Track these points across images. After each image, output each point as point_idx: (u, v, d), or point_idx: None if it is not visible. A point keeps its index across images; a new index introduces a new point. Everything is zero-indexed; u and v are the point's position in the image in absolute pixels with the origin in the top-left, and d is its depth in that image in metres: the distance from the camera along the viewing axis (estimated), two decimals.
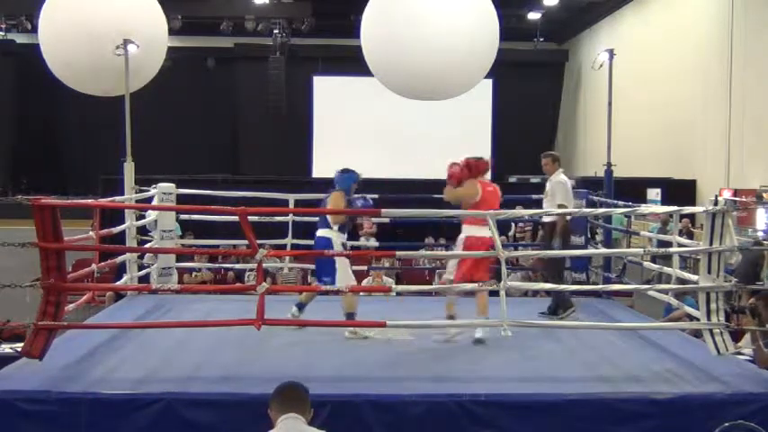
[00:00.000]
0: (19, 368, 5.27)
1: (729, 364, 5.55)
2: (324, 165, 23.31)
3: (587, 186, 10.55)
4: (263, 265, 5.59)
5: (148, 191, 8.22)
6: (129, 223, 7.93)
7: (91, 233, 7.05)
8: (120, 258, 8.08)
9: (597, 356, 5.94)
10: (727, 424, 4.59)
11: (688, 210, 6.43)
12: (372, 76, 10.74)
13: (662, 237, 9.68)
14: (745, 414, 4.76)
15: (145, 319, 7.00)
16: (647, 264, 9.02)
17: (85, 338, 6.00)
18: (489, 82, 21.53)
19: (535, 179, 17.53)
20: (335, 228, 6.62)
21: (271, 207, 8.70)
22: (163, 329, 6.37)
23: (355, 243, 12.81)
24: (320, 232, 6.68)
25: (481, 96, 21.82)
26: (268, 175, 19.69)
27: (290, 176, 19.45)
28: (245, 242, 6.05)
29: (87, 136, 23.40)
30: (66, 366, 5.34)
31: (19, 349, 5.28)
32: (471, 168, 6.60)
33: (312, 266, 10.57)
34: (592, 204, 8.39)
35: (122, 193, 8.24)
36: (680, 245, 6.83)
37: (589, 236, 9.07)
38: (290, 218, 8.60)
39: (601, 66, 8.86)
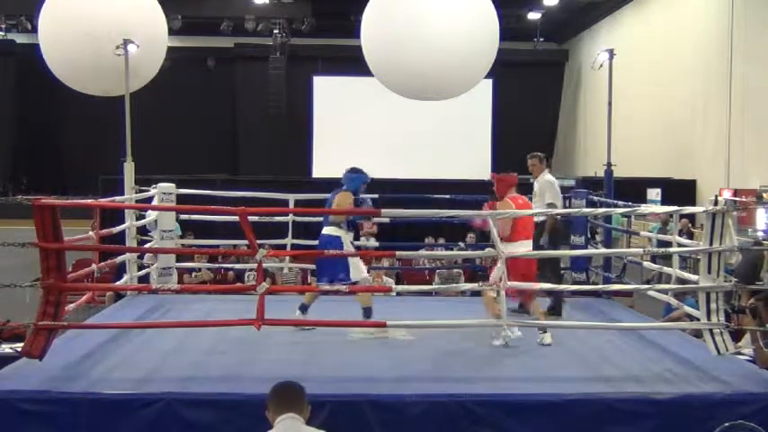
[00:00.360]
0: (19, 368, 5.26)
1: (729, 364, 5.55)
2: (324, 165, 23.34)
3: (587, 186, 10.57)
4: (263, 265, 5.58)
5: (148, 191, 8.22)
6: (129, 223, 7.93)
7: (91, 233, 7.05)
8: (120, 258, 8.07)
9: (597, 356, 5.94)
10: (727, 424, 4.59)
11: (688, 210, 6.42)
12: (372, 76, 10.75)
13: (662, 237, 9.68)
14: (746, 414, 4.75)
15: (145, 319, 7.00)
16: (647, 264, 9.01)
17: (85, 338, 5.99)
18: (489, 82, 21.55)
19: None
20: (342, 226, 6.59)
21: (271, 207, 8.70)
22: (163, 329, 6.37)
23: (356, 243, 12.85)
24: (328, 230, 6.64)
25: (481, 96, 21.85)
26: (268, 175, 19.70)
27: (290, 176, 19.45)
28: (245, 242, 6.05)
29: (87, 136, 23.41)
30: (66, 366, 5.33)
31: (19, 349, 5.28)
32: (501, 185, 6.57)
33: (312, 266, 10.67)
34: (592, 204, 8.38)
35: (122, 193, 8.24)
36: (680, 245, 6.82)
37: (589, 236, 9.07)
38: (290, 218, 8.59)
39: (601, 66, 8.85)
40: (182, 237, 9.96)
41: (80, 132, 24.00)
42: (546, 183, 7.57)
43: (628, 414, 4.86)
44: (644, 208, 8.37)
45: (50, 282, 5.09)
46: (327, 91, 24.32)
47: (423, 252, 11.68)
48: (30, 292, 5.33)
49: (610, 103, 8.84)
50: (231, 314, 5.87)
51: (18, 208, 7.46)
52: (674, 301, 6.75)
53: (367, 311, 6.38)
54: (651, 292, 6.99)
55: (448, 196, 9.11)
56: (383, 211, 6.37)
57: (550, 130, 26.26)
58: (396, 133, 22.67)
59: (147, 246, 8.23)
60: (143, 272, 8.20)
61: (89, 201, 8.65)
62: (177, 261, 8.72)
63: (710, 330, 5.48)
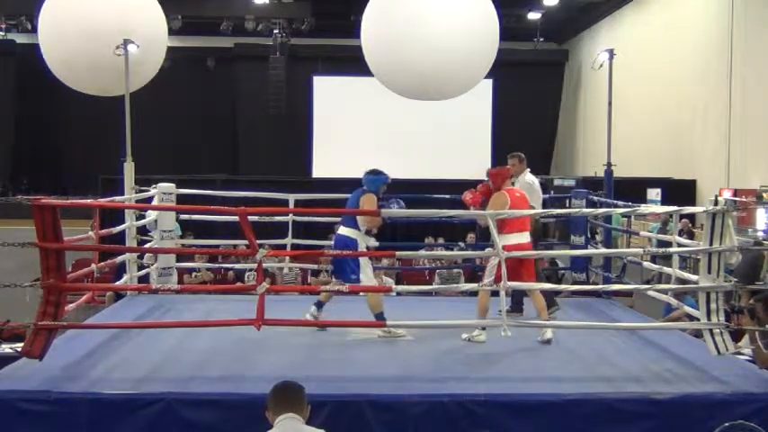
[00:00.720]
0: (19, 368, 5.26)
1: (729, 364, 5.55)
2: (324, 165, 23.36)
3: (587, 186, 10.57)
4: (263, 265, 5.58)
5: (148, 191, 8.21)
6: (129, 223, 7.92)
7: (91, 233, 7.05)
8: (119, 258, 8.07)
9: (597, 356, 5.94)
10: (727, 424, 4.59)
11: (688, 210, 6.42)
12: (372, 76, 10.74)
13: (662, 237, 9.68)
14: (746, 414, 4.75)
15: (145, 319, 7.00)
16: (647, 264, 9.01)
17: (85, 338, 6.00)
18: (489, 82, 21.54)
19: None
20: (363, 230, 6.54)
21: (271, 207, 8.70)
22: (163, 329, 6.37)
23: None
24: (345, 231, 6.55)
25: (481, 96, 21.83)
26: (268, 175, 19.69)
27: (290, 176, 19.44)
28: (245, 242, 6.05)
29: (87, 136, 23.40)
30: (66, 366, 5.33)
31: (19, 349, 5.28)
32: (496, 179, 6.60)
33: (313, 266, 10.68)
34: (592, 204, 8.39)
35: (122, 193, 8.23)
36: (680, 245, 6.82)
37: (589, 236, 9.07)
38: (290, 218, 8.59)
39: (601, 66, 8.85)
40: (182, 237, 9.96)
41: (80, 132, 23.98)
42: (526, 183, 7.62)
43: (628, 414, 4.86)
44: (644, 208, 8.37)
45: (50, 282, 5.10)
46: (327, 91, 24.31)
47: (423, 252, 11.68)
48: (30, 292, 5.33)
49: (610, 103, 8.84)
50: (231, 314, 5.87)
51: (18, 208, 7.43)
52: (674, 301, 6.75)
53: (379, 317, 6.29)
54: (651, 292, 6.99)
55: (448, 196, 9.10)
56: (383, 210, 6.36)
57: (550, 130, 26.25)
58: (396, 133, 22.66)
59: (147, 246, 8.23)
60: (143, 272, 8.20)
61: (89, 201, 8.65)
62: (177, 261, 8.72)
63: (710, 330, 5.48)
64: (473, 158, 22.34)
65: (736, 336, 5.89)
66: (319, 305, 6.62)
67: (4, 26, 23.60)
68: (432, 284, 10.44)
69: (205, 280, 11.41)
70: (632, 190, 14.24)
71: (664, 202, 15.66)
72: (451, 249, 11.94)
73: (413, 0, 9.97)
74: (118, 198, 8.19)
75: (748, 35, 14.88)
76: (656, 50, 18.99)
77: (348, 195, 6.80)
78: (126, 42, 8.58)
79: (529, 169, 7.70)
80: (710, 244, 5.47)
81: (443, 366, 5.68)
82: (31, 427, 4.67)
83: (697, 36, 17.02)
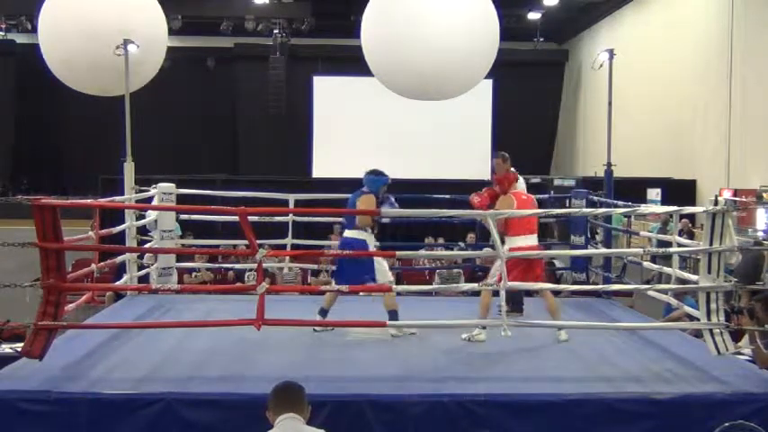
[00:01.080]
0: (19, 368, 5.26)
1: (729, 364, 5.55)
2: (324, 165, 23.33)
3: (587, 186, 10.57)
4: (263, 265, 5.58)
5: (148, 191, 8.22)
6: (129, 223, 7.93)
7: (91, 233, 7.05)
8: (119, 258, 8.07)
9: (597, 356, 5.94)
10: (727, 424, 4.59)
11: (688, 210, 6.43)
12: (372, 76, 10.74)
13: (662, 237, 9.68)
14: (746, 414, 4.75)
15: (145, 319, 7.00)
16: (647, 264, 9.01)
17: (85, 338, 6.00)
18: (489, 82, 21.51)
19: (535, 179, 17.51)
20: (368, 229, 6.54)
21: (271, 207, 8.70)
22: (163, 329, 6.37)
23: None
24: (352, 233, 6.55)
25: (481, 96, 21.80)
26: (268, 175, 19.69)
27: (290, 176, 19.44)
28: (245, 242, 6.05)
29: (87, 136, 23.40)
30: (67, 366, 5.34)
31: (19, 349, 5.28)
32: (503, 183, 6.64)
33: (313, 266, 10.68)
34: (592, 204, 8.39)
35: (122, 193, 8.23)
36: (680, 245, 6.83)
37: (589, 236, 9.07)
38: (290, 218, 8.59)
39: (601, 66, 8.85)
40: (182, 237, 9.96)
41: (80, 132, 23.98)
42: None
43: (628, 414, 4.86)
44: (644, 208, 8.37)
45: (50, 282, 5.10)
46: (327, 91, 24.30)
47: (423, 252, 11.68)
48: (30, 292, 5.33)
49: (610, 103, 8.84)
50: (231, 314, 5.88)
51: (18, 208, 7.43)
52: (674, 301, 6.75)
53: (392, 314, 6.28)
54: (651, 292, 6.99)
55: (448, 196, 9.11)
56: (383, 210, 6.37)
57: (550, 130, 26.25)
58: (396, 133, 22.64)
59: (147, 246, 8.23)
60: (143, 272, 8.20)
61: (89, 201, 8.65)
62: (177, 261, 8.72)
63: (710, 330, 5.48)
64: (473, 158, 22.32)
65: (736, 336, 5.89)
66: (323, 313, 6.59)
67: (4, 26, 23.59)
68: (432, 284, 10.44)
69: (205, 280, 11.41)
70: (632, 190, 14.24)
71: (664, 202, 15.66)
72: (451, 249, 11.95)
73: (413, 0, 9.96)
74: (118, 198, 8.19)
75: (748, 35, 14.87)
76: (656, 50, 18.98)
77: (348, 195, 6.81)
78: (126, 42, 8.58)
79: (513, 169, 7.72)
80: (710, 244, 5.47)
81: (443, 366, 5.68)
82: (31, 427, 4.68)
83: (697, 36, 17.02)
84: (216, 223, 9.58)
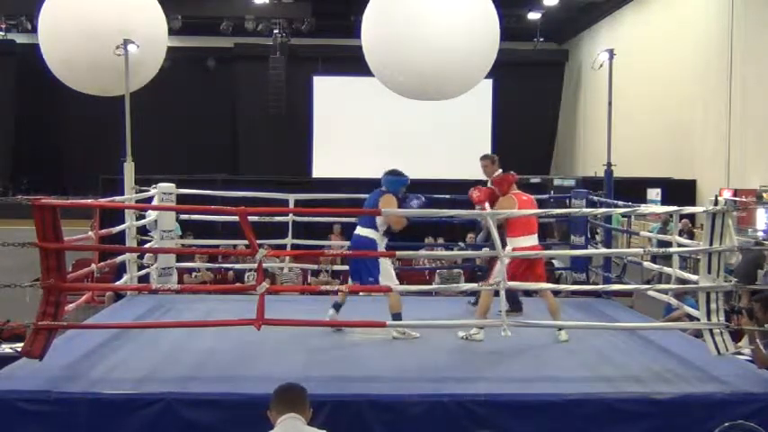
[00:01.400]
0: (19, 368, 5.26)
1: (729, 364, 5.55)
2: (324, 165, 23.36)
3: (587, 186, 10.56)
4: (263, 265, 5.58)
5: (148, 191, 8.21)
6: (129, 223, 7.92)
7: (91, 233, 7.05)
8: (119, 258, 8.07)
9: (597, 356, 5.94)
10: (727, 424, 4.58)
11: (688, 210, 6.43)
12: (372, 76, 10.74)
13: (662, 237, 9.68)
14: (746, 414, 4.75)
15: (145, 319, 7.00)
16: (647, 264, 9.01)
17: (85, 338, 5.99)
18: (489, 82, 21.55)
19: (535, 179, 17.53)
20: (382, 230, 6.51)
21: (271, 207, 8.69)
22: (163, 329, 6.37)
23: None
24: (363, 231, 6.52)
25: (481, 96, 21.84)
26: (268, 175, 19.69)
27: (290, 176, 19.44)
28: (246, 242, 6.05)
29: (87, 136, 23.42)
30: (67, 366, 5.33)
31: (19, 349, 5.28)
32: (502, 184, 6.66)
33: (313, 266, 10.68)
34: (592, 204, 8.39)
35: (122, 193, 8.23)
36: (680, 245, 6.82)
37: (589, 236, 9.07)
38: (289, 218, 8.59)
39: (601, 66, 8.85)
40: (182, 237, 9.96)
41: (80, 132, 24.00)
42: None
43: (628, 414, 4.86)
44: (644, 208, 8.37)
45: (50, 282, 5.09)
46: (327, 91, 24.32)
47: (423, 252, 11.68)
48: (30, 292, 5.33)
49: (610, 103, 8.84)
50: (231, 314, 5.88)
51: (18, 208, 7.43)
52: (674, 301, 6.75)
53: (396, 317, 6.25)
54: (651, 292, 6.99)
55: (448, 196, 9.10)
56: (383, 210, 6.37)
57: (550, 130, 26.26)
58: (396, 133, 22.66)
59: (147, 246, 8.23)
60: (143, 272, 8.20)
61: (89, 201, 8.65)
62: (177, 261, 8.72)
63: (710, 330, 5.48)
64: (473, 158, 22.26)
65: (736, 336, 5.90)
66: (337, 307, 6.57)
67: (4, 26, 23.61)
68: (432, 284, 10.43)
69: (205, 280, 11.41)
70: (632, 190, 14.24)
71: (664, 202, 15.66)
72: (451, 249, 11.94)
73: (413, 0, 9.96)
74: (118, 198, 8.19)
75: (748, 35, 14.88)
76: (657, 50, 18.99)
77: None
78: (126, 42, 8.58)
79: (500, 170, 7.73)
80: (710, 244, 5.47)
81: (443, 366, 5.68)
82: (31, 427, 4.67)
83: (697, 36, 17.02)
84: (216, 223, 9.56)
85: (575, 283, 8.75)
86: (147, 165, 10.25)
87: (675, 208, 6.22)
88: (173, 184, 8.44)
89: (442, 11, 9.76)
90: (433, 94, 10.63)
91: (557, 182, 18.29)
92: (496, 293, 5.85)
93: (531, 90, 24.80)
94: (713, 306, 5.48)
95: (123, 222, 7.94)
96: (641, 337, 6.46)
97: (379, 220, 6.48)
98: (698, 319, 5.71)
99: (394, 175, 6.65)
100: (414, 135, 22.58)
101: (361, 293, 7.57)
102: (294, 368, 5.30)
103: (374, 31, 10.24)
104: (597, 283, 8.52)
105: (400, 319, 6.21)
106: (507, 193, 6.63)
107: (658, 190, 16.66)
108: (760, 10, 14.68)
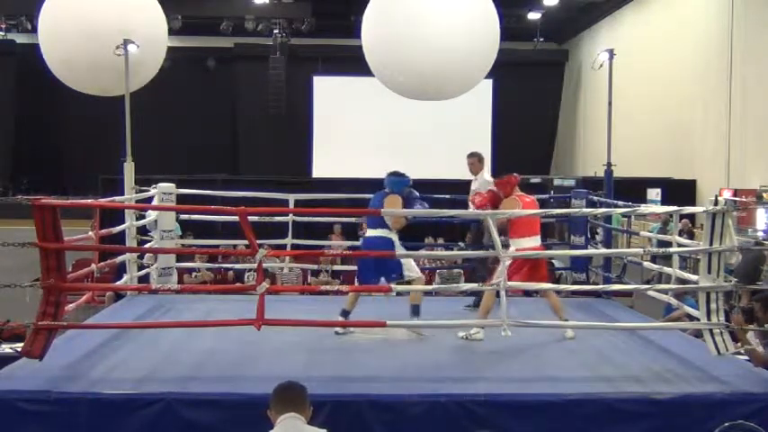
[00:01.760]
0: (19, 368, 5.26)
1: (729, 364, 5.55)
2: (324, 165, 23.35)
3: (587, 186, 10.56)
4: (263, 264, 5.58)
5: (148, 191, 8.22)
6: (129, 223, 7.92)
7: (91, 233, 7.05)
8: (120, 258, 8.07)
9: (597, 356, 5.94)
10: (727, 424, 4.58)
11: (688, 210, 6.43)
12: (372, 76, 10.74)
13: (662, 237, 9.68)
14: (746, 414, 4.75)
15: (145, 319, 7.00)
16: (647, 264, 9.01)
17: (85, 338, 5.99)
18: (489, 82, 21.54)
19: (535, 179, 17.53)
20: (394, 230, 6.53)
21: (271, 207, 8.69)
22: (163, 329, 6.37)
23: (355, 243, 12.82)
24: (377, 232, 6.52)
25: (481, 96, 21.83)
26: (268, 175, 19.69)
27: (290, 176, 19.44)
28: (246, 242, 6.05)
29: (87, 136, 23.41)
30: (67, 366, 5.33)
31: (19, 349, 5.28)
32: (505, 187, 6.68)
33: (313, 266, 10.68)
34: (592, 204, 8.39)
35: (122, 193, 8.23)
36: (680, 245, 6.83)
37: (589, 236, 9.07)
38: (290, 218, 8.59)
39: (601, 66, 8.85)
40: (182, 237, 9.96)
41: (80, 132, 24.00)
42: (485, 182, 7.71)
43: (628, 414, 4.86)
44: (644, 208, 8.37)
45: (50, 282, 5.09)
46: (327, 91, 24.32)
47: (423, 252, 11.67)
48: (30, 292, 5.33)
49: (610, 103, 8.84)
50: (231, 314, 5.88)
51: (18, 208, 7.43)
52: (674, 301, 6.75)
53: (415, 309, 6.35)
54: (651, 292, 6.99)
55: (448, 196, 9.11)
56: (383, 210, 6.37)
57: (550, 130, 26.26)
58: (396, 133, 22.66)
59: (147, 246, 8.23)
60: (143, 272, 8.20)
61: (89, 201, 8.65)
62: (177, 261, 8.72)
63: (710, 330, 5.48)
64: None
65: (736, 336, 5.89)
66: (345, 315, 6.53)
67: (4, 26, 23.61)
68: (432, 284, 10.43)
69: (205, 280, 11.41)
70: (632, 190, 14.24)
71: (664, 202, 15.66)
72: (451, 249, 11.94)
73: (413, 0, 9.96)
74: (118, 198, 8.19)
75: (748, 35, 14.88)
76: (656, 50, 18.99)
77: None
78: (126, 42, 8.58)
79: (487, 168, 7.77)
80: (710, 244, 5.47)
81: (443, 366, 5.68)
82: (31, 427, 4.67)
83: (697, 36, 17.02)
84: (216, 223, 9.56)
85: (575, 283, 8.75)
86: (147, 165, 10.25)
87: (675, 208, 6.22)
88: (173, 184, 8.44)
89: (442, 11, 9.76)
90: (433, 94, 10.63)
91: (557, 182, 18.30)
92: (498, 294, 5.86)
93: (531, 90, 24.80)
94: (713, 306, 5.48)
95: (123, 222, 7.94)
96: (641, 337, 6.46)
97: (388, 218, 6.49)
98: (698, 319, 5.71)
99: (397, 176, 6.67)
100: (414, 135, 22.58)
101: (361, 293, 7.55)
102: (294, 368, 5.29)
103: (374, 31, 10.24)
104: (597, 283, 8.52)
105: (418, 313, 6.24)
106: (510, 194, 6.64)
107: (658, 190, 16.66)
108: (760, 10, 14.68)
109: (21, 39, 23.30)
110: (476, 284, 6.37)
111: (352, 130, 23.47)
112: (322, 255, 9.20)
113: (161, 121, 22.41)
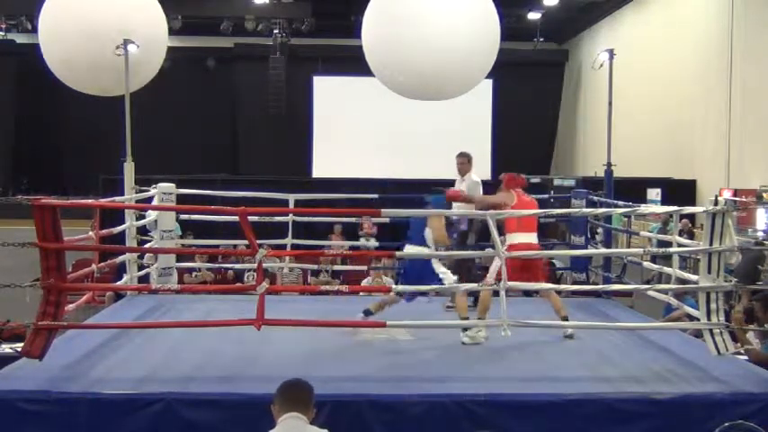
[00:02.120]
0: (19, 368, 5.26)
1: (729, 364, 5.55)
2: (324, 165, 23.35)
3: (587, 186, 10.57)
4: (263, 264, 5.58)
5: (148, 191, 8.22)
6: (129, 223, 7.92)
7: (91, 233, 7.05)
8: (120, 258, 8.07)
9: (597, 356, 5.94)
10: (727, 424, 4.58)
11: (688, 210, 6.43)
12: (372, 76, 10.74)
13: (662, 237, 9.68)
14: (745, 414, 4.75)
15: (145, 319, 7.00)
16: (647, 264, 9.01)
17: (85, 338, 5.99)
18: (489, 82, 21.54)
19: (535, 179, 17.49)
20: (433, 248, 6.49)
21: (271, 207, 8.70)
22: (163, 329, 6.37)
23: (355, 243, 12.84)
24: (416, 250, 6.52)
25: (481, 96, 21.83)
26: (268, 175, 19.70)
27: (290, 176, 19.45)
28: (246, 242, 6.05)
29: (87, 136, 23.43)
30: (67, 366, 5.33)
31: (19, 349, 5.28)
32: (509, 181, 6.69)
33: (313, 267, 10.67)
34: (592, 204, 8.39)
35: (122, 193, 8.24)
36: (680, 245, 6.83)
37: (589, 236, 9.07)
38: (290, 218, 8.59)
39: (601, 66, 8.86)
40: (182, 237, 9.96)
41: (80, 132, 24.01)
42: (473, 183, 7.72)
43: (628, 414, 4.86)
44: (644, 208, 8.37)
45: (50, 282, 5.10)
46: (327, 91, 24.32)
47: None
48: (30, 292, 5.33)
49: (610, 103, 8.85)
50: (231, 314, 5.87)
51: (18, 208, 7.43)
52: (674, 301, 6.75)
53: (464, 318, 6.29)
54: (651, 292, 6.99)
55: None
56: (383, 210, 6.38)
57: (550, 130, 26.27)
58: (396, 133, 22.66)
59: (147, 246, 8.23)
60: (143, 272, 8.20)
61: (89, 201, 8.65)
62: (177, 261, 8.72)
63: (710, 330, 5.48)
64: (473, 158, 22.34)
65: (736, 336, 5.89)
66: (367, 313, 6.52)
67: (4, 26, 23.62)
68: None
69: (205, 280, 11.41)
70: (632, 190, 14.24)
71: (664, 202, 15.66)
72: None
73: (413, 0, 9.96)
74: (118, 198, 8.19)
75: (748, 35, 14.88)
76: (656, 50, 18.99)
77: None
78: (126, 42, 8.58)
79: (474, 169, 7.77)
80: (710, 244, 5.47)
81: (443, 366, 5.68)
82: (31, 427, 4.67)
83: (697, 36, 17.03)
84: (216, 223, 9.57)
85: (575, 283, 8.76)
86: (147, 165, 10.25)
87: (675, 208, 6.22)
88: (173, 184, 8.44)
89: (442, 11, 9.76)
90: (433, 94, 10.63)
91: (557, 182, 18.29)
92: (496, 293, 5.86)
93: (531, 90, 24.80)
94: (713, 306, 5.48)
95: (123, 222, 7.94)
96: (641, 337, 6.46)
97: (428, 238, 6.46)
98: (698, 319, 5.71)
99: (437, 193, 6.68)
100: (414, 135, 22.57)
101: (361, 294, 7.57)
102: (294, 368, 5.28)
103: (374, 31, 10.24)
104: (597, 283, 8.53)
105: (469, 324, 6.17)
106: (510, 188, 6.63)
107: (658, 190, 16.66)
108: (760, 10, 14.68)
109: (21, 39, 23.31)
110: (476, 285, 6.37)
111: (352, 130, 23.47)
112: (322, 255, 9.20)
113: (161, 121, 22.41)
